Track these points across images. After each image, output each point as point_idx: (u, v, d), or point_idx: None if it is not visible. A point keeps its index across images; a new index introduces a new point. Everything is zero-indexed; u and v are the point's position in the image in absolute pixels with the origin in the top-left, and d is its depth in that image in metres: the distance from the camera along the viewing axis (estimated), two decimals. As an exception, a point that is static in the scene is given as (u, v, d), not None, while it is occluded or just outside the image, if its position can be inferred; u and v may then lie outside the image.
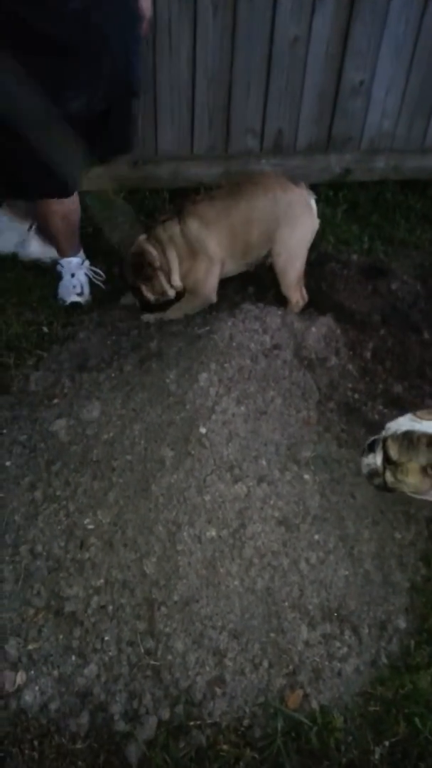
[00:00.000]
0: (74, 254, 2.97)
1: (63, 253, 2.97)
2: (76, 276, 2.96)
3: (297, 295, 2.78)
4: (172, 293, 2.77)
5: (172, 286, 2.75)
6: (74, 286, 2.94)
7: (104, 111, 2.36)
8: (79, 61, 2.16)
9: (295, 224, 2.67)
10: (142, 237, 2.70)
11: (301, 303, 2.79)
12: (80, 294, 2.93)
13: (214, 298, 2.75)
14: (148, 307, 2.79)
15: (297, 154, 3.57)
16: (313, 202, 2.73)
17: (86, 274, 2.99)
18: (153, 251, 2.67)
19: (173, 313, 2.76)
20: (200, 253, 2.66)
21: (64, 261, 2.97)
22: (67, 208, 2.73)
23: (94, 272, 3.03)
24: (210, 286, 2.73)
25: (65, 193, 2.62)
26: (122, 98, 2.46)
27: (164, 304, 2.80)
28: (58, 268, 3.01)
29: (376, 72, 3.41)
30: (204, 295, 2.74)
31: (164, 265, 2.69)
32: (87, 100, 2.25)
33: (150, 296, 2.75)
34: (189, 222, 2.64)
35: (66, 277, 2.97)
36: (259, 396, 2.22)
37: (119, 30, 2.26)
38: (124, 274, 2.85)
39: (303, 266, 2.77)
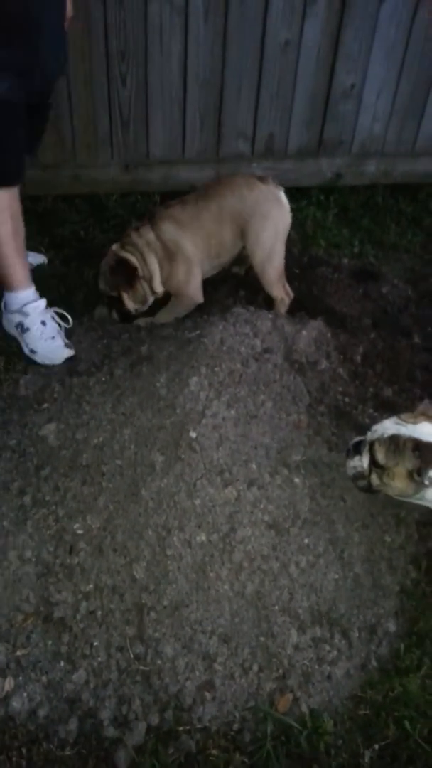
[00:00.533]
0: (27, 287, 2.56)
1: (13, 284, 2.52)
2: (48, 324, 2.55)
3: (280, 291, 2.77)
4: (151, 300, 2.74)
5: (153, 292, 2.72)
6: (53, 337, 2.54)
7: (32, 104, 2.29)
8: (18, 44, 2.12)
9: (265, 220, 2.67)
10: (115, 246, 2.64)
11: (287, 300, 2.79)
12: (67, 344, 2.56)
13: (200, 299, 2.75)
14: (127, 317, 2.73)
15: (288, 157, 3.58)
16: (283, 196, 2.72)
17: (53, 317, 2.61)
18: (132, 258, 2.62)
19: (163, 317, 2.76)
20: (178, 256, 2.65)
21: (30, 307, 2.52)
22: (13, 207, 2.42)
23: (62, 316, 2.65)
24: (193, 287, 2.72)
25: (6, 179, 2.36)
26: (48, 95, 2.47)
27: (142, 314, 2.78)
28: (16, 317, 2.54)
29: (367, 76, 3.42)
30: (189, 297, 2.73)
31: (145, 271, 2.66)
32: (21, 84, 2.16)
33: (131, 305, 2.71)
34: (163, 226, 2.63)
35: (34, 327, 2.51)
36: (250, 400, 2.22)
37: (55, 21, 2.29)
38: (100, 287, 2.73)
39: (281, 262, 2.75)
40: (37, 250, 3.15)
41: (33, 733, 1.70)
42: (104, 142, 3.39)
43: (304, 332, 2.55)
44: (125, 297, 2.66)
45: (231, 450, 2.08)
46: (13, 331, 2.62)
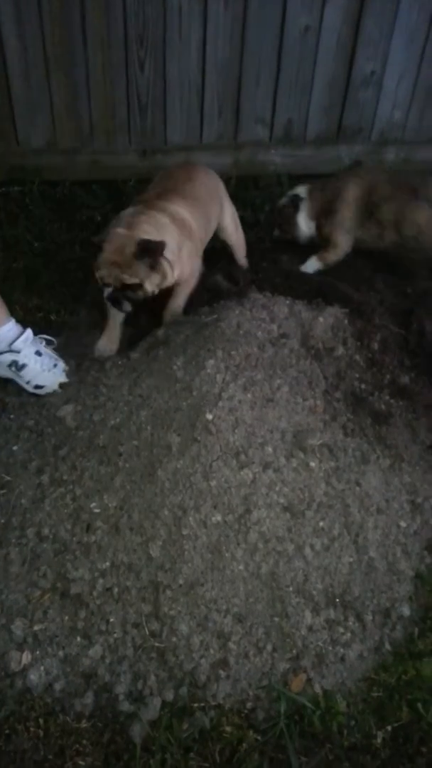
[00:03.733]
0: (7, 320, 2.36)
1: None
2: (43, 353, 2.38)
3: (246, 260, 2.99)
4: (167, 283, 2.49)
5: (173, 272, 2.47)
6: (55, 365, 2.39)
7: None
8: None
9: (229, 199, 2.92)
10: (121, 230, 2.36)
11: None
12: (64, 368, 2.42)
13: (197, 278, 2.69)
14: (141, 304, 2.47)
15: (307, 144, 3.57)
16: None
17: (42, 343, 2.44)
18: (156, 234, 2.36)
19: (174, 308, 2.62)
20: (192, 237, 2.56)
21: (19, 342, 2.32)
22: None
23: (47, 341, 2.47)
24: (197, 269, 2.67)
25: None
26: None
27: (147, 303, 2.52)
28: (6, 357, 2.32)
29: (388, 62, 3.40)
30: (193, 280, 2.63)
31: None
32: None
33: (151, 289, 2.41)
34: (172, 206, 2.51)
35: (32, 362, 2.34)
36: (266, 384, 2.22)
37: None
38: (106, 280, 2.39)
39: None
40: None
41: (49, 706, 1.73)
42: (122, 127, 3.40)
43: (320, 319, 2.54)
44: (147, 282, 2.39)
45: (247, 433, 2.09)
46: (6, 373, 2.38)
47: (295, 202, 2.95)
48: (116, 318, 2.61)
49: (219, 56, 3.26)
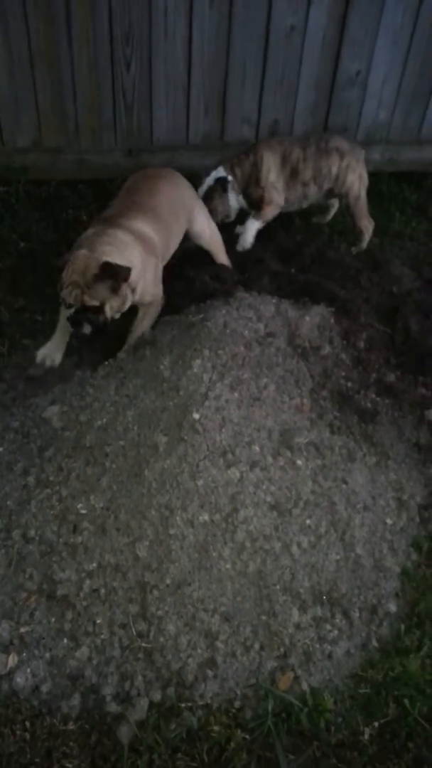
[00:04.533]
0: None
1: None
2: None
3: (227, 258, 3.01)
4: (126, 307, 2.42)
5: (133, 295, 2.42)
6: None
7: None
8: None
9: (199, 200, 2.93)
10: (85, 251, 2.29)
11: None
12: None
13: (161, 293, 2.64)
14: (103, 328, 2.39)
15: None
16: None
17: None
18: (118, 258, 2.31)
19: (140, 329, 2.57)
20: (155, 254, 2.51)
21: None
22: None
23: None
24: (160, 285, 2.59)
25: None
26: None
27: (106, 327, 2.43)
28: None
29: (373, 62, 3.41)
30: (160, 296, 2.60)
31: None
32: None
33: (111, 313, 2.35)
34: (135, 223, 2.46)
35: None
36: (253, 383, 2.23)
37: None
38: (68, 299, 2.30)
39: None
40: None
41: (36, 708, 1.72)
42: (108, 126, 3.39)
43: (307, 317, 2.55)
44: (108, 306, 2.32)
45: (234, 432, 2.09)
46: None
47: (222, 183, 3.07)
48: (67, 328, 2.52)
49: (205, 56, 3.25)
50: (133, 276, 2.32)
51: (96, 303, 2.29)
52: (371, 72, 3.44)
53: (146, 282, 2.46)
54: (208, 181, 3.09)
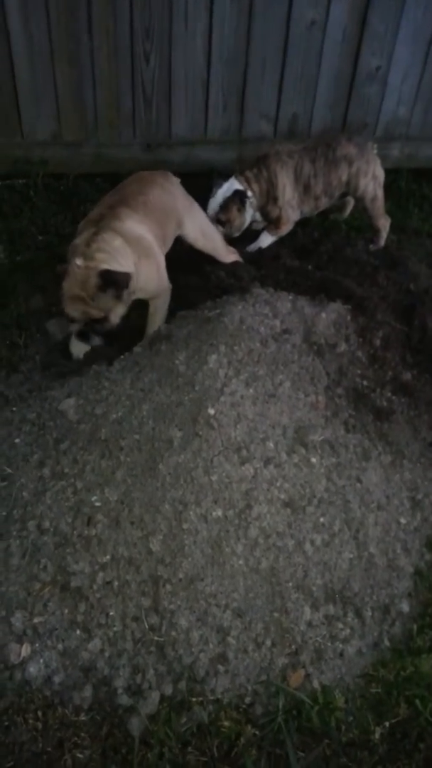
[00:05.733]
0: None
1: None
2: None
3: (232, 255, 2.97)
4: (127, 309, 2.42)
5: (132, 296, 2.41)
6: None
7: None
8: None
9: (193, 204, 2.84)
10: (80, 261, 2.25)
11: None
12: None
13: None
14: (112, 336, 2.41)
15: (310, 139, 3.54)
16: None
17: None
18: (116, 265, 2.29)
19: (154, 325, 2.58)
20: (150, 253, 2.50)
21: None
22: None
23: None
24: (167, 279, 2.59)
25: None
26: None
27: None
28: None
29: (393, 57, 3.38)
30: (167, 291, 2.60)
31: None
32: None
33: (116, 320, 2.34)
34: (125, 224, 2.42)
35: None
36: (268, 379, 2.22)
37: None
38: (72, 314, 2.31)
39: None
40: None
41: (48, 699, 1.73)
42: (127, 120, 3.39)
43: (323, 314, 2.53)
44: (113, 314, 2.32)
45: (249, 428, 2.08)
46: None
47: (241, 197, 3.00)
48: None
49: (225, 50, 3.24)
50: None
51: (101, 315, 2.27)
52: (391, 67, 3.41)
53: (146, 280, 2.44)
54: (223, 192, 3.01)
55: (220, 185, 3.02)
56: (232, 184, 3.00)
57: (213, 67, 3.28)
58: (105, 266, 2.24)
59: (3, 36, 3.07)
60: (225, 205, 3.02)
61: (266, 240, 3.14)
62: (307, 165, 3.02)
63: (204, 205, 3.04)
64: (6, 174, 3.42)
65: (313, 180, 3.04)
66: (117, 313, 2.34)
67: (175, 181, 2.82)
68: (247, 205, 3.04)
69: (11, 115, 3.29)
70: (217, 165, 3.47)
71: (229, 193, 3.00)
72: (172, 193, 2.75)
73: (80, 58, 3.18)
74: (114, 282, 2.23)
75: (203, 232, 2.88)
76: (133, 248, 2.39)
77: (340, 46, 3.31)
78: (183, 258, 2.85)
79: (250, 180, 3.03)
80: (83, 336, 2.37)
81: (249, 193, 3.02)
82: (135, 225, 2.45)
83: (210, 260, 2.92)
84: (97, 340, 2.39)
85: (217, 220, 3.04)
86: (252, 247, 3.13)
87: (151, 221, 2.55)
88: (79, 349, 2.57)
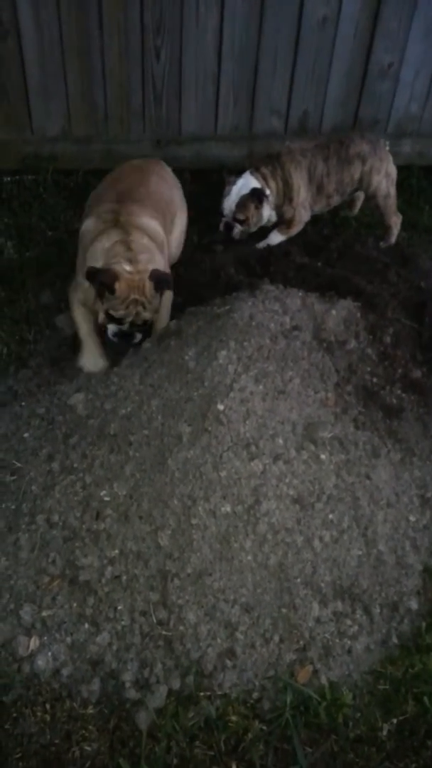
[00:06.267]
0: None
1: None
2: None
3: None
4: None
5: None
6: None
7: None
8: None
9: (185, 206, 2.91)
10: (128, 266, 2.31)
11: None
12: None
13: None
14: (131, 338, 2.43)
15: (322, 136, 3.53)
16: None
17: None
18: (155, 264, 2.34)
19: (162, 321, 2.57)
20: (162, 247, 2.52)
21: None
22: None
23: None
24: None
25: None
26: None
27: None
28: None
29: (406, 54, 3.36)
30: (170, 291, 2.56)
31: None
32: None
33: (148, 315, 2.40)
34: (143, 221, 2.44)
35: None
36: (278, 375, 2.22)
37: None
38: (132, 316, 2.36)
39: None
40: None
41: (57, 691, 1.74)
42: (137, 116, 3.38)
43: (333, 311, 2.53)
44: (142, 311, 2.37)
45: (258, 424, 2.08)
46: None
47: (260, 195, 2.91)
48: (92, 333, 2.51)
49: (236, 46, 3.23)
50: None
51: (153, 315, 2.37)
52: (404, 64, 3.40)
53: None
54: (238, 189, 2.91)
55: (233, 182, 2.93)
56: (248, 181, 2.93)
57: (224, 62, 3.28)
58: (152, 266, 2.32)
59: (13, 31, 3.08)
60: (242, 204, 2.92)
61: (276, 239, 3.11)
62: (320, 164, 2.99)
63: (216, 203, 3.01)
64: (16, 170, 3.42)
65: (326, 179, 3.01)
66: (147, 309, 2.39)
67: (168, 168, 2.81)
68: (265, 203, 2.96)
69: (21, 110, 3.30)
70: (227, 161, 3.47)
71: (245, 191, 2.91)
72: (168, 181, 2.76)
73: (90, 54, 3.18)
74: (165, 282, 2.32)
75: (184, 230, 2.91)
76: (156, 244, 2.42)
77: (352, 42, 3.30)
78: (193, 255, 2.85)
79: (267, 177, 2.97)
80: (128, 337, 2.41)
81: (267, 191, 2.94)
82: (149, 220, 2.47)
83: (226, 254, 2.91)
84: (138, 338, 2.43)
85: (234, 220, 2.96)
86: (261, 245, 3.11)
87: (158, 213, 2.57)
88: (96, 363, 2.49)
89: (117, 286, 2.28)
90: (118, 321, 2.36)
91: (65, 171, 3.46)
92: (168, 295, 2.59)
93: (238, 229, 2.98)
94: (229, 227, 3.02)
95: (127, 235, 2.38)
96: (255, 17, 3.17)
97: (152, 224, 2.47)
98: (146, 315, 2.37)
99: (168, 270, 2.53)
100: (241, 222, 2.96)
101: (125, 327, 2.39)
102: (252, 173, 2.95)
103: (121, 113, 3.36)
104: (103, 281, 2.28)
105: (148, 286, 2.30)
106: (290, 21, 3.19)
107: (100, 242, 2.40)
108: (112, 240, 2.38)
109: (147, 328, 2.44)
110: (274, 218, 3.09)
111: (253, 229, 3.04)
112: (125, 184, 2.63)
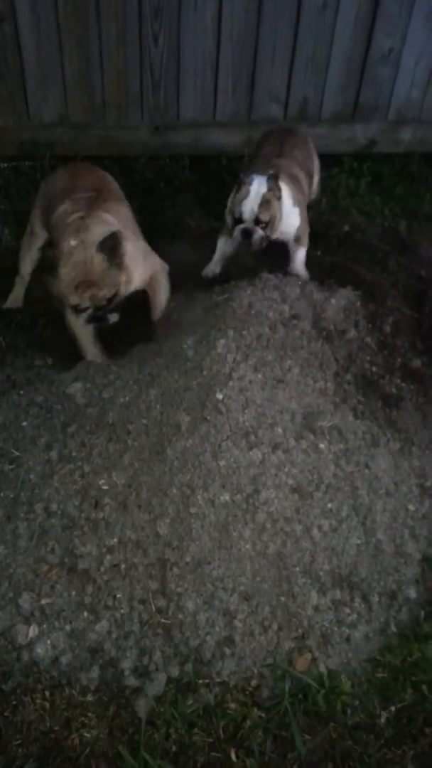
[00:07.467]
0: None
1: None
2: None
3: None
4: (137, 283, 2.36)
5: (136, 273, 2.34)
6: None
7: None
8: None
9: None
10: (74, 241, 2.15)
11: None
12: None
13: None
14: (124, 307, 2.31)
15: (322, 122, 3.50)
16: None
17: None
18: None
19: (159, 306, 2.50)
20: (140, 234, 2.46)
21: None
22: None
23: None
24: (152, 256, 2.49)
25: None
26: None
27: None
28: None
29: (406, 40, 3.33)
30: (159, 265, 2.49)
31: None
32: None
33: (125, 291, 2.26)
34: (115, 207, 2.38)
35: None
36: (277, 364, 2.21)
37: None
38: (82, 304, 2.19)
39: None
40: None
41: (56, 679, 1.74)
42: (134, 102, 3.35)
43: (333, 300, 2.51)
44: (122, 284, 2.21)
45: (257, 413, 2.07)
46: None
47: (276, 182, 2.53)
48: (88, 333, 2.44)
49: (234, 32, 3.19)
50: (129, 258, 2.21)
51: (113, 291, 2.16)
52: (404, 50, 3.36)
53: (137, 263, 2.33)
54: (257, 188, 2.49)
55: (250, 182, 2.51)
56: (263, 180, 2.50)
57: (222, 48, 3.24)
58: (98, 238, 2.11)
59: (10, 17, 3.04)
60: (265, 202, 2.51)
61: (302, 255, 2.78)
62: (295, 168, 2.78)
63: (223, 198, 2.79)
64: (13, 156, 3.39)
65: (301, 175, 2.82)
66: (125, 284, 2.23)
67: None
68: (284, 197, 2.59)
69: (18, 96, 3.27)
70: (226, 148, 3.44)
71: (264, 189, 2.50)
72: (113, 182, 2.72)
73: (87, 39, 3.14)
74: (111, 246, 2.10)
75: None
76: (125, 225, 2.34)
77: (353, 27, 3.26)
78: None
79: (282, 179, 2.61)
80: (99, 319, 2.26)
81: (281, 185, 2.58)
82: (122, 207, 2.44)
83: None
84: (114, 317, 2.28)
85: (255, 223, 2.53)
86: (294, 268, 2.78)
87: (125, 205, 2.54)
88: (94, 352, 2.45)
89: (63, 267, 2.13)
90: (82, 310, 2.23)
91: (62, 157, 3.42)
92: (158, 282, 2.48)
93: (258, 234, 2.55)
94: (248, 234, 2.56)
95: (86, 214, 2.25)
96: (254, 2, 3.13)
97: (122, 210, 2.42)
98: (104, 293, 2.16)
99: (150, 255, 2.43)
100: (265, 225, 2.55)
101: (90, 312, 2.24)
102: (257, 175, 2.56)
103: (119, 99, 3.33)
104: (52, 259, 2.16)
105: (98, 260, 2.11)
106: (290, 5, 3.15)
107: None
108: (73, 219, 2.26)
109: (118, 304, 2.26)
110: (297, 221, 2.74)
111: (275, 234, 2.63)
112: (85, 183, 2.55)
